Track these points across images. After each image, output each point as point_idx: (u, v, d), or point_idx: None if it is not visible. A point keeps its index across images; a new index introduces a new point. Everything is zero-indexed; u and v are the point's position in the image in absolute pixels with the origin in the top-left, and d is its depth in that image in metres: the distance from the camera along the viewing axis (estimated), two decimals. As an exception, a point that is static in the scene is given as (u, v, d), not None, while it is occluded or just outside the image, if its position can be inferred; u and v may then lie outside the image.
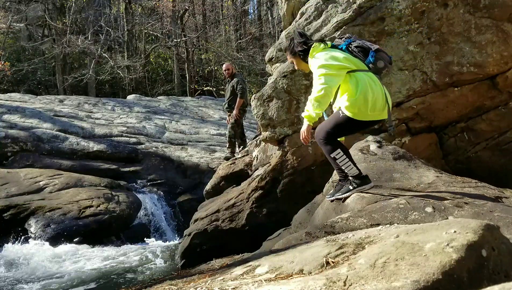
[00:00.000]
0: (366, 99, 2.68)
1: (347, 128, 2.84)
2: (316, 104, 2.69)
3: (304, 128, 2.80)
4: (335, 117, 2.82)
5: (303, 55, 2.92)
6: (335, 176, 3.22)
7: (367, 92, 2.68)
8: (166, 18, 22.33)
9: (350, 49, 2.83)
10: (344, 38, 2.92)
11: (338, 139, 2.87)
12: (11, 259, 5.98)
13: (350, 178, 2.85)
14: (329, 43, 2.89)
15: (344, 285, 1.31)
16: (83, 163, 9.36)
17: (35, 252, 6.26)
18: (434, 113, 4.32)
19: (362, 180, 2.85)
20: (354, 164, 2.82)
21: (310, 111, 2.72)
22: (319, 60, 2.74)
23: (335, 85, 2.71)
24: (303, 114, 2.79)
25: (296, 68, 3.12)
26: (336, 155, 2.77)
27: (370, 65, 2.80)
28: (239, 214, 5.01)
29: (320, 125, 2.89)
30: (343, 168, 2.81)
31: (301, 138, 2.84)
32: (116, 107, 13.47)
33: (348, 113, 2.73)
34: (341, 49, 2.84)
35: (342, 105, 2.77)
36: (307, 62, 2.92)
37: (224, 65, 7.44)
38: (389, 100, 2.83)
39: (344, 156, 2.78)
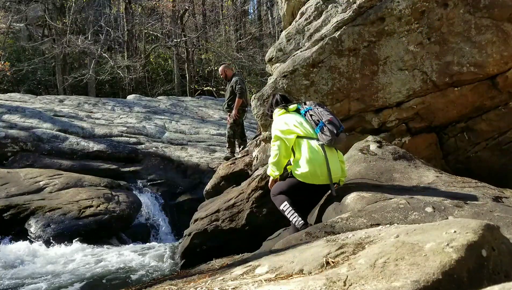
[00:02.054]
0: (305, 166, 3.03)
1: (299, 190, 3.14)
2: (274, 167, 3.22)
3: (270, 181, 3.38)
4: (289, 178, 3.19)
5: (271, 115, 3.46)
6: None
7: (306, 160, 3.03)
8: (166, 18, 22.32)
9: (306, 116, 3.22)
10: (307, 105, 3.31)
11: None
12: (11, 259, 5.97)
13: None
14: (293, 106, 3.30)
15: (344, 285, 1.31)
16: (83, 163, 9.35)
17: (35, 252, 6.25)
18: (434, 113, 4.32)
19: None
20: (300, 215, 3.07)
21: (271, 172, 3.26)
22: (275, 123, 3.25)
23: (285, 149, 3.15)
24: (267, 172, 3.34)
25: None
26: (283, 207, 3.12)
27: (318, 134, 3.11)
28: (239, 214, 5.01)
29: (278, 183, 3.30)
30: (290, 219, 3.10)
31: (269, 185, 3.38)
32: (116, 107, 13.46)
33: (295, 176, 3.10)
34: (300, 114, 3.26)
35: (292, 169, 3.16)
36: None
37: (219, 69, 7.47)
38: (332, 167, 3.04)
39: (290, 208, 3.09)
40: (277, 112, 3.31)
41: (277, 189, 3.23)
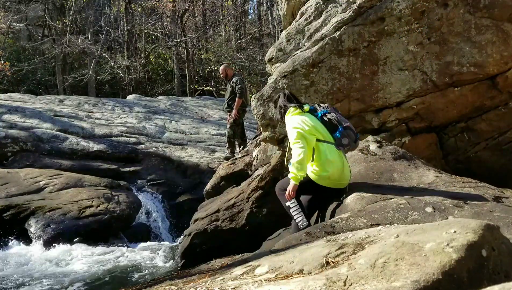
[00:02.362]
0: (325, 169, 3.02)
1: (307, 188, 3.13)
2: (299, 166, 2.98)
3: (290, 187, 3.05)
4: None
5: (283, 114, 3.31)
6: None
7: (325, 163, 3.02)
8: (166, 18, 22.32)
9: (323, 119, 3.14)
10: (322, 107, 3.24)
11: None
12: (11, 259, 5.98)
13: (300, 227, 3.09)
14: (306, 107, 3.20)
15: (344, 285, 1.31)
16: (83, 163, 9.35)
17: (35, 252, 6.26)
18: (434, 113, 4.32)
19: None
20: (305, 216, 3.08)
21: (295, 173, 3.00)
22: (293, 122, 3.10)
23: (310, 147, 3.03)
24: (289, 176, 3.06)
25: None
26: (290, 204, 3.09)
27: (336, 140, 3.08)
28: (239, 214, 5.01)
29: (283, 179, 3.27)
30: (294, 217, 3.08)
31: (286, 194, 3.08)
32: (116, 107, 13.46)
33: (310, 175, 3.07)
34: (316, 116, 3.15)
35: (309, 169, 3.08)
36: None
37: (220, 69, 7.50)
38: (347, 172, 3.11)
39: (298, 207, 3.08)
40: (292, 111, 3.19)
41: (285, 185, 3.16)
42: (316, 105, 3.28)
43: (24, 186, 7.70)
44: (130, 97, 15.75)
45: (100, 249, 6.49)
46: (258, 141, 5.93)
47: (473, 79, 4.14)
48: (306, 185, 3.09)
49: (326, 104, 3.29)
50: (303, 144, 2.98)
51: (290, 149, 3.18)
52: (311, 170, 3.08)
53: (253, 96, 4.80)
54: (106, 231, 7.11)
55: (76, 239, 6.60)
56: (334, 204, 3.11)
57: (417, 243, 1.44)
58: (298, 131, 3.02)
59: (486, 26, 4.01)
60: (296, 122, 3.09)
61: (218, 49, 21.31)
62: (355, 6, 4.31)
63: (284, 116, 3.26)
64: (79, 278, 5.09)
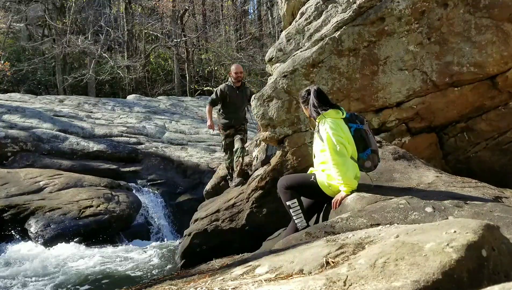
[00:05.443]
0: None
1: (310, 192, 3.10)
2: (351, 181, 2.87)
3: (339, 196, 2.93)
4: (306, 177, 3.10)
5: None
6: None
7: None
8: (166, 18, 22.32)
9: (357, 134, 2.97)
10: (359, 120, 3.05)
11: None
12: (11, 259, 5.98)
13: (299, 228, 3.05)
14: (344, 112, 3.03)
15: (344, 285, 1.31)
16: (83, 163, 9.36)
17: (35, 252, 6.25)
18: (434, 113, 4.32)
19: None
20: (305, 217, 3.05)
21: (348, 187, 2.87)
22: (336, 127, 2.89)
23: (349, 155, 2.89)
24: (342, 189, 2.90)
25: (306, 114, 3.27)
26: (291, 204, 3.05)
27: (360, 159, 2.98)
28: (239, 214, 5.01)
29: (288, 175, 3.23)
30: (293, 218, 3.05)
31: (333, 202, 2.94)
32: (116, 107, 13.46)
33: (319, 181, 3.01)
34: (350, 127, 2.98)
35: (318, 172, 3.05)
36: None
37: (237, 67, 6.03)
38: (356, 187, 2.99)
39: (298, 208, 3.04)
40: (334, 113, 2.97)
41: (289, 183, 3.09)
42: (353, 115, 3.08)
43: (24, 186, 7.70)
44: (130, 97, 15.75)
45: (100, 249, 6.49)
46: (258, 141, 5.93)
47: (473, 79, 4.14)
48: (311, 188, 3.04)
49: (362, 118, 3.09)
50: (346, 154, 2.85)
51: (317, 151, 3.04)
52: (323, 177, 2.99)
53: (253, 96, 4.80)
54: (106, 231, 7.10)
55: (76, 239, 6.60)
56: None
57: (417, 243, 1.44)
58: (341, 141, 2.85)
59: (486, 26, 4.01)
60: (337, 128, 2.89)
61: (218, 49, 21.31)
62: (355, 6, 4.31)
63: (318, 114, 3.00)
64: (78, 278, 5.08)
